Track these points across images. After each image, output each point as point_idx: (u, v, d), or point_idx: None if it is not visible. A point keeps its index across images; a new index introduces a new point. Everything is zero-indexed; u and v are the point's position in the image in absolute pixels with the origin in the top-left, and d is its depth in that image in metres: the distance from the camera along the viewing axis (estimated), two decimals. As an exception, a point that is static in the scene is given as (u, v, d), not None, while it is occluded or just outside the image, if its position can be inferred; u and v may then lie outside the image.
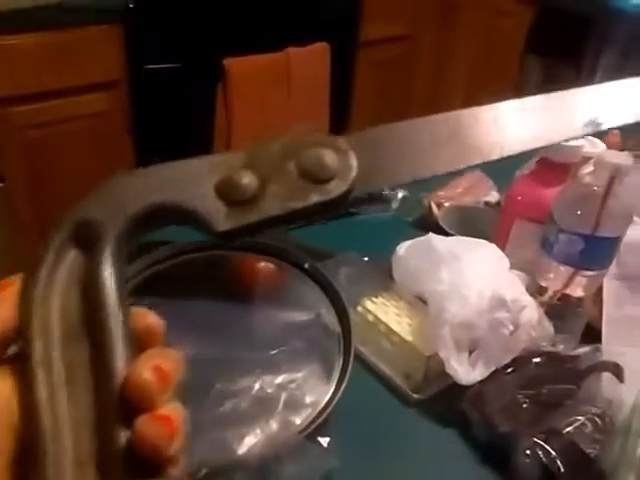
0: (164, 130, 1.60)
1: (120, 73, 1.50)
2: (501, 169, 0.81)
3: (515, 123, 0.29)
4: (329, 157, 0.27)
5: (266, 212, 0.26)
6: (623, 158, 0.60)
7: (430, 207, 0.85)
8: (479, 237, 0.67)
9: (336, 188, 0.27)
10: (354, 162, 0.27)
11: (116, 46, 1.47)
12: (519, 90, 2.28)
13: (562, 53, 1.30)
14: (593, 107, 0.30)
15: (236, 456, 0.49)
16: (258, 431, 0.52)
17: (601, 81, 0.95)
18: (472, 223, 0.79)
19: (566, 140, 0.30)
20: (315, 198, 0.26)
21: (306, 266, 0.62)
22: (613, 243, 0.62)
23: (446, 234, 0.72)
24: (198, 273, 0.62)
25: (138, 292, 0.56)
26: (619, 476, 0.51)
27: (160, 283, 0.60)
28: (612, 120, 0.29)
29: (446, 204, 0.85)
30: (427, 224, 0.84)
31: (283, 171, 0.27)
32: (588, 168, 0.65)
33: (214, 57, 1.57)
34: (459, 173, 0.89)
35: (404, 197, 0.91)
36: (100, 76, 1.48)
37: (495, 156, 0.28)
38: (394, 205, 0.90)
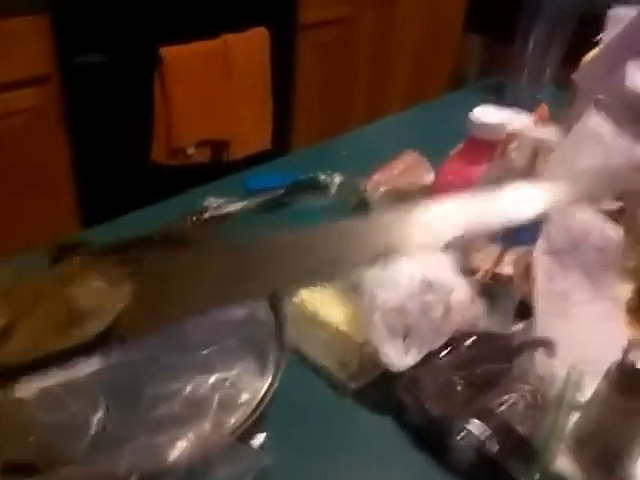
0: (101, 124, 1.54)
1: (50, 67, 1.44)
2: (438, 149, 0.81)
3: (300, 254, 0.27)
4: (91, 293, 0.23)
5: (11, 356, 0.23)
6: (546, 133, 0.60)
7: (366, 192, 0.85)
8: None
9: (93, 328, 0.23)
10: (119, 300, 0.23)
11: (44, 38, 1.40)
12: (460, 69, 2.30)
13: (498, 31, 1.31)
14: (389, 235, 0.28)
15: (166, 461, 0.48)
16: (190, 435, 0.51)
17: (532, 57, 0.93)
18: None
19: (353, 268, 0.28)
20: (69, 340, 0.23)
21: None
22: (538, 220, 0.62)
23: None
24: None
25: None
26: (551, 450, 0.52)
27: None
28: (407, 248, 0.28)
29: (382, 189, 0.84)
30: (364, 210, 0.83)
31: (37, 308, 0.23)
32: (514, 145, 0.65)
33: (149, 46, 1.53)
34: (394, 155, 0.89)
35: (341, 182, 0.89)
36: (29, 71, 1.41)
37: (279, 290, 0.27)
38: (333, 191, 0.89)
